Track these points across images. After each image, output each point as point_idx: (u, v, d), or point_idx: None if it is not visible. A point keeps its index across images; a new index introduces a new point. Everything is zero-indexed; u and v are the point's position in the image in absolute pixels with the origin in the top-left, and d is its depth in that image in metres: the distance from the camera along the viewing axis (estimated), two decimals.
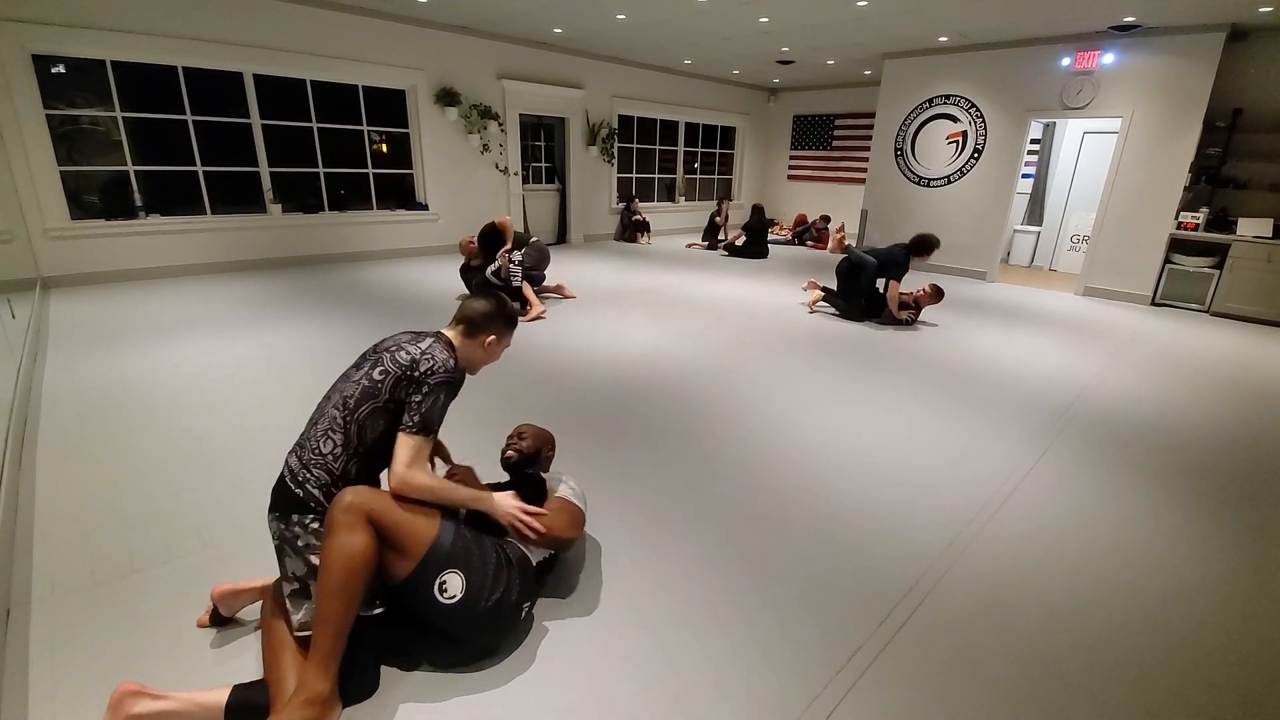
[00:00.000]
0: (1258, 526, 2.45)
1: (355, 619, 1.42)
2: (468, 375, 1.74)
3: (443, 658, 1.59)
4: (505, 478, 2.04)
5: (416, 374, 1.56)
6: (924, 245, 5.30)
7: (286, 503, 1.51)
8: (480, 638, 1.58)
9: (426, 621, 1.54)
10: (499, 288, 5.20)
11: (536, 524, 1.67)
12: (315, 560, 1.46)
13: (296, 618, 1.47)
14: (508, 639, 1.67)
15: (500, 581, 1.56)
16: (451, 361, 1.61)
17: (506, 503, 1.67)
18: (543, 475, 1.98)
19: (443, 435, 1.87)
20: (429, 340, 1.64)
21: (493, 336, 1.75)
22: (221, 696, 1.37)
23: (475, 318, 1.73)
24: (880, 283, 5.39)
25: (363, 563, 1.38)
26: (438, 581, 1.48)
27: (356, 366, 1.64)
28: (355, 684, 1.47)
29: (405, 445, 1.53)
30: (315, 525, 1.49)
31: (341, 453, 1.53)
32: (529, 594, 1.69)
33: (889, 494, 2.57)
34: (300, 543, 1.49)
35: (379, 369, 1.57)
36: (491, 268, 5.19)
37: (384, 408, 1.55)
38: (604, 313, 5.36)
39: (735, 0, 5.78)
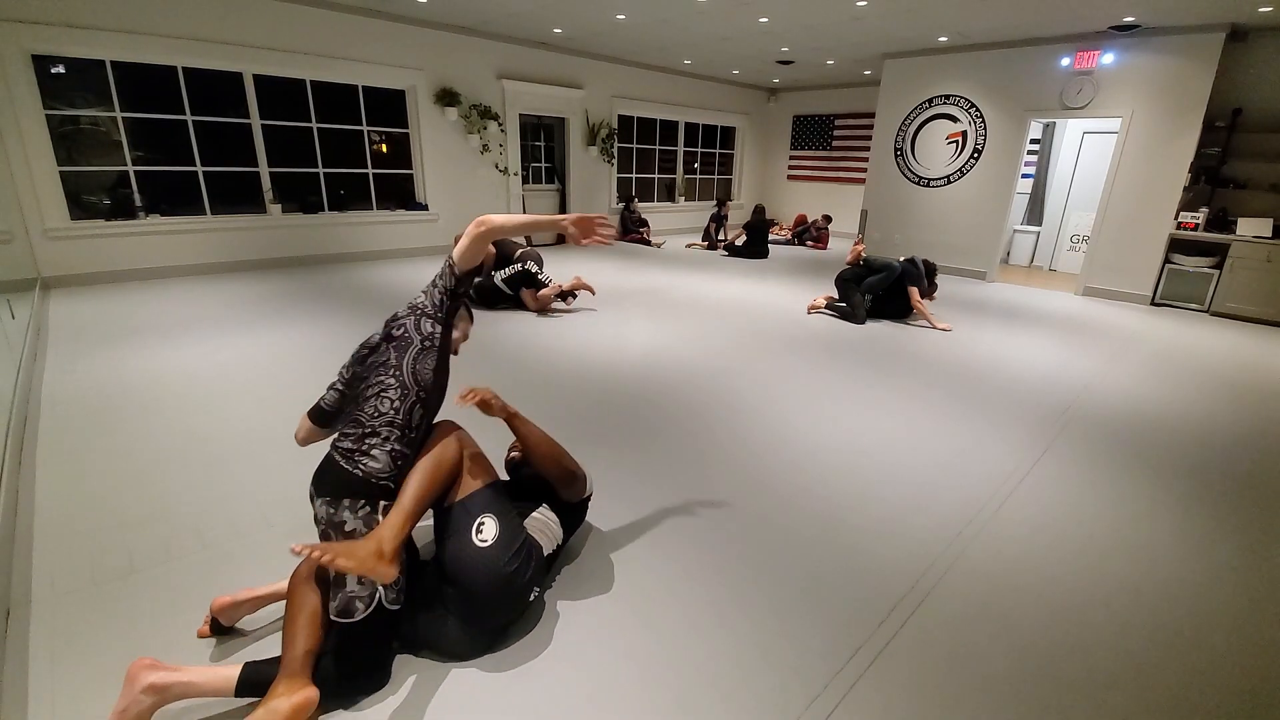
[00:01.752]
0: (1257, 526, 2.45)
1: (384, 618, 1.51)
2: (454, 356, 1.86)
3: (448, 644, 1.61)
4: (506, 479, 2.09)
5: (437, 280, 1.75)
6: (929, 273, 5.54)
7: (338, 486, 1.52)
8: (490, 606, 1.60)
9: (439, 599, 1.61)
10: (507, 296, 5.27)
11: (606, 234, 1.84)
12: None
13: (333, 605, 1.47)
14: (515, 615, 1.69)
15: (520, 555, 1.62)
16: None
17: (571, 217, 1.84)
18: None
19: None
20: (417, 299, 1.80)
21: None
22: (234, 671, 1.41)
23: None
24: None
25: (451, 463, 1.63)
26: (478, 521, 1.60)
27: (381, 347, 1.71)
28: (367, 677, 1.50)
29: (471, 230, 1.69)
30: (365, 510, 1.51)
31: (402, 404, 1.61)
32: (539, 579, 1.72)
33: (889, 494, 2.57)
34: (348, 527, 1.50)
35: (396, 324, 1.71)
36: (502, 274, 5.21)
37: (422, 348, 1.68)
38: (604, 313, 5.36)
39: (735, 0, 5.78)
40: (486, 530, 1.59)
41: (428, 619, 1.61)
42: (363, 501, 1.52)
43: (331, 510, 1.51)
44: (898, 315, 5.56)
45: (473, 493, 1.64)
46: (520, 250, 5.28)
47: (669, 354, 4.28)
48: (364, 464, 1.53)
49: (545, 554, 1.78)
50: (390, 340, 1.69)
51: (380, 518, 1.53)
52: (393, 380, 1.62)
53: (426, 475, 1.57)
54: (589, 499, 2.03)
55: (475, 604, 1.58)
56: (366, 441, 1.56)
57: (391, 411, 1.59)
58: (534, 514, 1.83)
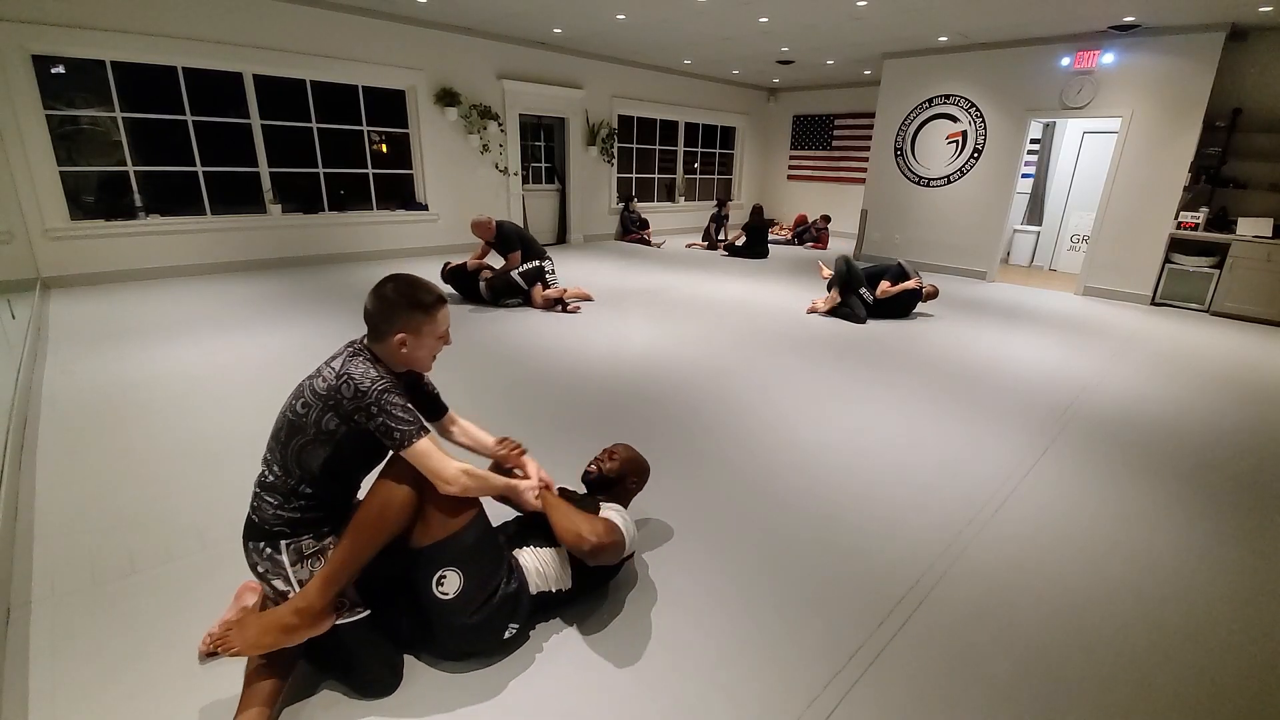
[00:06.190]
0: (1258, 526, 2.45)
1: (358, 627, 1.46)
2: (421, 369, 1.60)
3: (432, 647, 1.62)
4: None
5: (345, 403, 1.40)
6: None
7: (247, 527, 1.50)
8: (449, 648, 1.60)
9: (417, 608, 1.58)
10: (520, 290, 5.43)
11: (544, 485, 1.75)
12: (278, 585, 1.45)
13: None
14: (477, 652, 1.62)
15: (487, 606, 1.53)
16: (372, 370, 1.43)
17: (529, 483, 1.74)
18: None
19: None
20: (340, 356, 1.47)
21: (401, 334, 1.48)
22: None
23: (370, 319, 1.50)
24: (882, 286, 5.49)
25: (398, 509, 1.43)
26: (438, 574, 1.49)
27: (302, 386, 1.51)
28: (358, 678, 1.50)
29: (420, 457, 1.43)
30: (269, 551, 1.46)
31: (284, 478, 1.46)
32: (517, 618, 1.61)
33: (889, 494, 2.57)
34: (260, 569, 1.47)
35: (301, 400, 1.44)
36: (522, 268, 5.41)
37: (315, 440, 1.43)
38: (604, 313, 5.36)
39: (735, 0, 5.78)
40: (448, 584, 1.49)
41: (413, 623, 1.60)
42: (263, 544, 1.46)
43: (245, 553, 1.49)
44: (898, 315, 5.56)
45: (435, 542, 1.49)
46: (547, 249, 5.69)
47: (669, 354, 4.28)
48: (261, 509, 1.48)
49: (535, 591, 1.66)
50: (295, 401, 1.46)
51: (284, 558, 1.45)
52: (277, 457, 1.46)
53: (364, 532, 1.41)
54: (628, 559, 1.87)
55: (436, 644, 1.60)
56: (257, 497, 1.49)
57: (275, 480, 1.46)
58: (535, 550, 1.72)
